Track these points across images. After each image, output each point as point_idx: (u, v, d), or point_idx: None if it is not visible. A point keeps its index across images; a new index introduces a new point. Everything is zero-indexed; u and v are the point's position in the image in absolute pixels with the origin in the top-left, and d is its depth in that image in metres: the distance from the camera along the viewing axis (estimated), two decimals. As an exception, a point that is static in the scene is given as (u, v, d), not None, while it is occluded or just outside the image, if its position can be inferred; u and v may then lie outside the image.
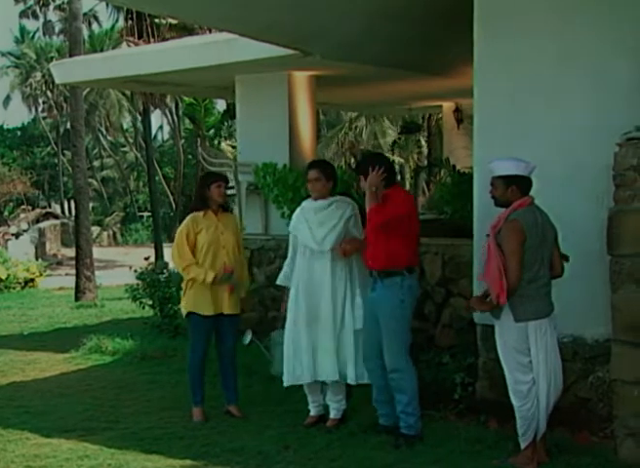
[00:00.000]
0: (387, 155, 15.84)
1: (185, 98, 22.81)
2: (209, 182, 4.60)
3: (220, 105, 23.97)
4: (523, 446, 3.71)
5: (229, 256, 4.59)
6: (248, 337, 4.66)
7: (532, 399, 3.62)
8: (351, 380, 4.36)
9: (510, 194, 3.61)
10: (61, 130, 37.05)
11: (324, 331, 4.31)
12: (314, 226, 4.33)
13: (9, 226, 27.46)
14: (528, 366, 3.61)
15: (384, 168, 4.14)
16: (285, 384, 4.43)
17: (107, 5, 28.56)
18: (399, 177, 17.61)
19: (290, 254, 4.54)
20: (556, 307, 3.70)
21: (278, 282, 4.61)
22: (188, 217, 4.63)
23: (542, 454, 3.73)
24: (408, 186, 17.53)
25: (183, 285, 4.68)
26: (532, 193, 3.77)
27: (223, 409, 4.76)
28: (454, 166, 7.60)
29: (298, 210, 4.54)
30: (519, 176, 3.61)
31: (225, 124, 23.13)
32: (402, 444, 4.02)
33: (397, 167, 17.33)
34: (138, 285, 7.74)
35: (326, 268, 4.31)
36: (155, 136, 38.25)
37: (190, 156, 31.89)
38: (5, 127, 43.95)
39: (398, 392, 4.13)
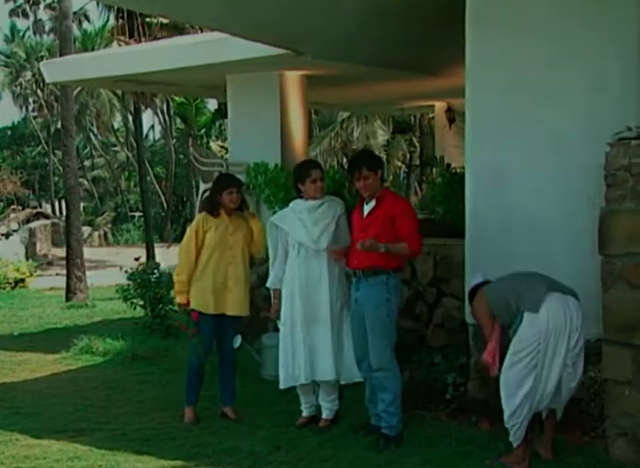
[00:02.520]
0: (381, 155, 15.86)
1: (176, 98, 22.75)
2: (221, 188, 4.56)
3: (212, 105, 23.93)
4: (515, 445, 3.71)
5: (236, 258, 4.57)
6: (238, 341, 4.63)
7: (528, 402, 3.62)
8: (347, 380, 4.35)
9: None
10: (52, 129, 36.84)
11: (323, 331, 4.29)
12: (309, 225, 4.31)
13: (-1, 226, 27.27)
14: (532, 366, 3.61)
15: (379, 167, 4.16)
16: (282, 386, 4.41)
17: (98, 4, 28.46)
18: (391, 177, 17.62)
19: (279, 255, 4.46)
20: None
21: (270, 285, 4.54)
22: (200, 215, 4.65)
23: (549, 452, 3.77)
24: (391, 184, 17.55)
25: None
26: (524, 193, 3.90)
27: (218, 411, 4.73)
28: (448, 164, 7.60)
29: (287, 210, 4.50)
30: (478, 285, 3.98)
31: (216, 123, 23.08)
32: (383, 446, 4.00)
33: (390, 167, 17.35)
34: (129, 285, 7.71)
35: (322, 266, 4.30)
36: (146, 136, 38.11)
37: (182, 156, 31.80)
38: (-5, 126, 43.73)
39: (381, 391, 4.12)
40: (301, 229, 4.31)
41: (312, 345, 4.30)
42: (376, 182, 4.12)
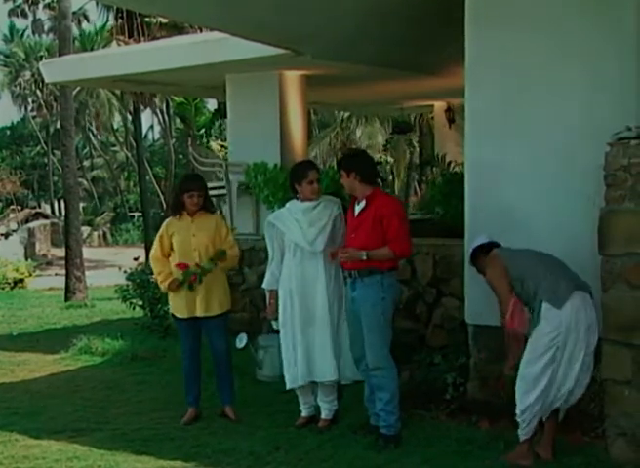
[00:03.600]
0: (380, 155, 15.84)
1: (176, 98, 22.73)
2: (182, 191, 4.58)
3: (211, 105, 23.92)
4: (521, 439, 3.71)
5: (202, 259, 4.54)
6: (243, 341, 4.61)
7: (541, 399, 3.62)
8: (349, 380, 4.35)
9: (487, 261, 3.90)
10: (51, 129, 36.83)
11: (321, 332, 4.28)
12: (305, 226, 4.30)
13: (-2, 226, 27.25)
14: (551, 361, 3.61)
15: (365, 166, 4.17)
16: (288, 387, 4.41)
17: (97, 3, 28.44)
18: (391, 177, 17.59)
19: (276, 257, 4.44)
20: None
21: (266, 286, 4.51)
22: (166, 220, 4.71)
23: (549, 453, 3.76)
24: (395, 186, 17.54)
25: None
26: (524, 192, 3.95)
27: (218, 411, 4.71)
28: (449, 163, 7.60)
29: (283, 210, 4.48)
30: (482, 245, 3.95)
31: (216, 123, 23.07)
32: (382, 446, 4.00)
33: (389, 167, 17.31)
34: (128, 285, 7.70)
35: (318, 268, 4.29)
36: (146, 136, 38.06)
37: (181, 156, 31.78)
38: (-6, 126, 43.70)
39: (379, 390, 4.12)
40: (298, 230, 4.30)
41: (310, 347, 4.29)
42: (349, 182, 4.14)
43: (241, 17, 5.21)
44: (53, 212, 37.83)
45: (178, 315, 4.63)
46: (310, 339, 4.29)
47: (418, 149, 16.29)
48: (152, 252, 4.70)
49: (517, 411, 3.67)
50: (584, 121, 4.06)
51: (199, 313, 4.56)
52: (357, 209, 4.17)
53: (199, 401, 4.73)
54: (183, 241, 4.56)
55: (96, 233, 34.56)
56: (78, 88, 23.87)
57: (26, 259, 18.45)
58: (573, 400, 3.72)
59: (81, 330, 8.12)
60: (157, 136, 42.29)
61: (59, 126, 16.90)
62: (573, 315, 3.56)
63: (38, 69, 19.96)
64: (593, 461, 3.69)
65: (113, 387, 5.69)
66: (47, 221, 28.89)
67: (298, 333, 4.30)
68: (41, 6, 37.34)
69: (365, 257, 4.01)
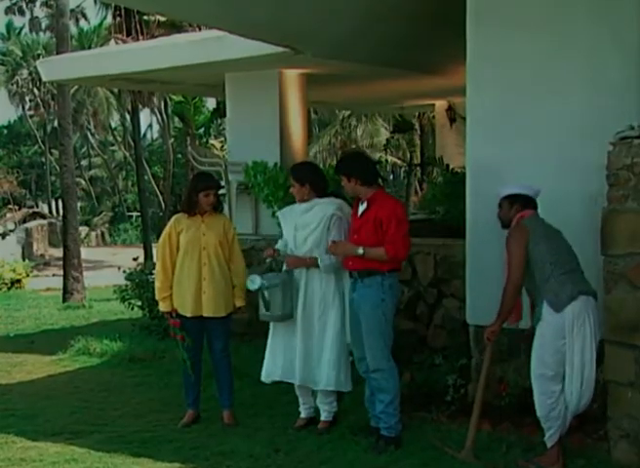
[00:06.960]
0: (380, 155, 15.81)
1: (174, 97, 22.69)
2: (198, 190, 4.52)
3: (210, 104, 23.87)
4: (548, 445, 3.67)
5: (210, 258, 4.51)
6: (256, 282, 4.22)
7: (562, 401, 3.60)
8: (323, 386, 4.30)
9: (514, 212, 3.74)
10: (49, 128, 36.80)
11: (297, 332, 4.30)
12: (299, 229, 4.33)
13: (-5, 226, 27.21)
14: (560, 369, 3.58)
15: (365, 168, 4.14)
16: (263, 379, 4.45)
17: (95, 1, 28.38)
18: (392, 177, 17.56)
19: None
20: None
21: (279, 246, 4.46)
22: (173, 217, 4.64)
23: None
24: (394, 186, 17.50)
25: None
26: None
27: (219, 414, 4.67)
28: (447, 165, 7.59)
29: (294, 207, 4.48)
30: (523, 195, 3.76)
31: (215, 122, 23.05)
32: (382, 448, 3.97)
33: (389, 166, 17.29)
34: (126, 285, 7.67)
35: (302, 270, 4.30)
36: (144, 135, 38.01)
37: (180, 155, 31.73)
38: (-9, 125, 43.64)
39: (379, 392, 4.10)
40: (292, 231, 4.35)
41: (290, 346, 4.33)
42: (351, 186, 4.11)
43: (240, 15, 5.18)
44: (50, 211, 37.78)
45: (182, 313, 4.56)
46: (291, 338, 4.31)
47: (419, 148, 16.26)
48: (161, 251, 4.57)
49: (540, 417, 3.64)
50: (586, 120, 4.04)
51: (205, 313, 4.53)
52: (360, 209, 4.16)
53: (198, 403, 4.69)
54: (193, 239, 4.51)
55: (94, 233, 34.53)
56: (76, 86, 23.84)
57: (24, 260, 18.38)
58: (585, 402, 3.65)
59: (79, 330, 8.08)
60: (156, 135, 42.29)
61: (56, 125, 16.85)
62: (575, 320, 3.53)
63: (35, 68, 19.92)
64: (595, 463, 3.67)
65: (111, 389, 5.66)
66: (44, 221, 28.85)
67: (282, 332, 4.34)
68: (38, 4, 37.33)
69: (361, 252, 4.01)
